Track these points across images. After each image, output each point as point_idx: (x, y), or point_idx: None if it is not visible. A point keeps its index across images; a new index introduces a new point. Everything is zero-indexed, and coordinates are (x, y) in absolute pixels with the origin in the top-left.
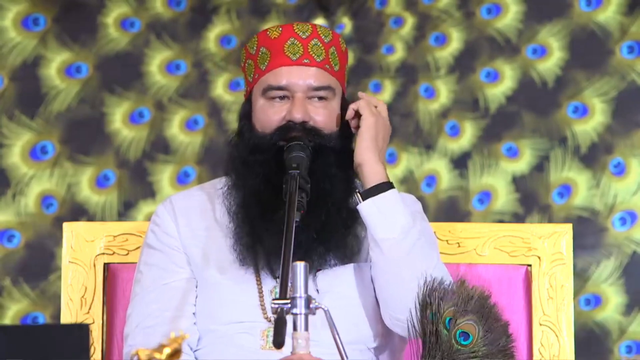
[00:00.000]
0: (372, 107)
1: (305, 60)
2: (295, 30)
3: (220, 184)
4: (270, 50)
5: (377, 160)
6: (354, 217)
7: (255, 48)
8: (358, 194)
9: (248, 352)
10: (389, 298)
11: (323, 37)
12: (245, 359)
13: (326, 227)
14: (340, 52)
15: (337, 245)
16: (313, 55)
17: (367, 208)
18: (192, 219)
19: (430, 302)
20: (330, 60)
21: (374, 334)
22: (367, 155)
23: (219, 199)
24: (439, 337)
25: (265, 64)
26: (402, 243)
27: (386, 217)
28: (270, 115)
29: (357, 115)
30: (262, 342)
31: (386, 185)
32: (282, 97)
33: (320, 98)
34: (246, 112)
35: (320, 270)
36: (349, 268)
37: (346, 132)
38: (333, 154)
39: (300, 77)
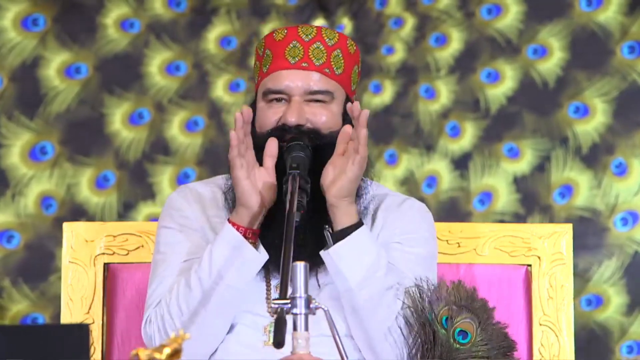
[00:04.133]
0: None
1: (304, 64)
2: (299, 33)
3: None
4: (272, 52)
5: (352, 202)
6: (358, 194)
7: (262, 50)
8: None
9: (251, 349)
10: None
11: (327, 40)
12: (247, 357)
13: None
14: (348, 54)
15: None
16: (312, 58)
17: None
18: (206, 206)
19: (425, 303)
20: (332, 63)
21: None
22: (344, 198)
23: (228, 193)
24: (436, 337)
25: (267, 66)
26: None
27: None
28: (267, 117)
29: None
30: (264, 337)
31: (352, 229)
32: (279, 100)
33: (318, 101)
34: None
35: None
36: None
37: None
38: (331, 150)
39: (298, 81)
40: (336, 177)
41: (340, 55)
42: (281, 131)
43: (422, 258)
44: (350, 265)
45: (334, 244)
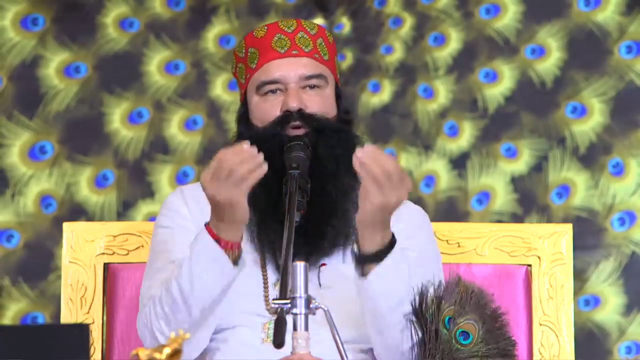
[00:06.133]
0: (388, 179)
1: (294, 52)
2: (281, 27)
3: None
4: (258, 48)
5: (374, 232)
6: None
7: (244, 51)
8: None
9: (249, 348)
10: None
11: (309, 29)
12: (246, 356)
13: (334, 209)
14: (328, 43)
15: (346, 225)
16: (301, 46)
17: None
18: (202, 207)
19: (429, 301)
20: (319, 50)
21: None
22: (367, 227)
23: None
24: (438, 336)
25: (255, 62)
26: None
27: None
28: (266, 110)
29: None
30: (263, 335)
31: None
32: (274, 91)
33: (313, 87)
34: (242, 114)
35: (324, 265)
36: (352, 266)
37: (344, 118)
38: (334, 134)
39: (291, 68)
40: (361, 204)
41: (324, 44)
42: (284, 119)
43: (429, 260)
44: (382, 294)
45: (359, 265)
